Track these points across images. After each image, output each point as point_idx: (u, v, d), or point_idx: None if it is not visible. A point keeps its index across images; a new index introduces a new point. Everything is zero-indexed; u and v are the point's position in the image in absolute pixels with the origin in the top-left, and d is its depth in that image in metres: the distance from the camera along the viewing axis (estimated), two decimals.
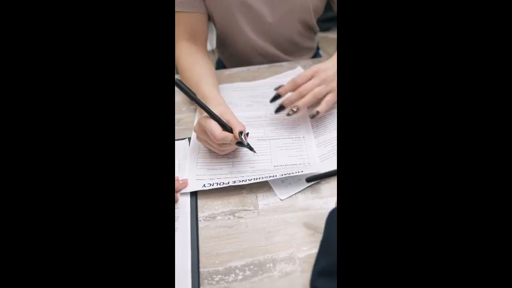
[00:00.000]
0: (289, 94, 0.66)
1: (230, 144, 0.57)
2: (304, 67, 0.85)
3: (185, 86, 0.58)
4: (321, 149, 0.63)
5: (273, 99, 0.68)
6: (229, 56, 0.76)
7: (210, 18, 0.85)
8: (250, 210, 0.54)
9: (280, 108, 0.66)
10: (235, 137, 0.56)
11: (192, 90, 0.64)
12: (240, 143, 0.57)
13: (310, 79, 0.65)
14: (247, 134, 0.59)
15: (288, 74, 0.83)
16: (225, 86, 0.80)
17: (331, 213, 0.45)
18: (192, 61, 0.76)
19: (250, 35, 0.85)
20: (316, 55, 1.03)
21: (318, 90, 0.64)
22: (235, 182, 0.56)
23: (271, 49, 0.89)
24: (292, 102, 0.65)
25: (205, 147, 0.62)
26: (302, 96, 0.64)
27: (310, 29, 0.91)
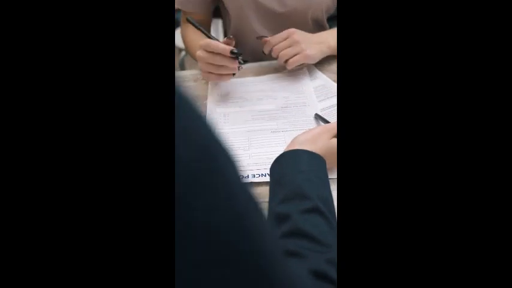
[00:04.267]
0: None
1: (227, 61, 0.68)
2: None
3: (195, 21, 0.76)
4: None
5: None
6: (242, 52, 0.79)
7: (225, 14, 0.87)
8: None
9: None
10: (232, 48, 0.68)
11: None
12: (233, 52, 0.68)
13: (284, 39, 0.74)
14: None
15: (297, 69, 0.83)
16: (236, 81, 0.80)
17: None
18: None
19: (262, 33, 0.87)
20: None
21: (285, 52, 0.74)
22: (254, 175, 0.56)
23: None
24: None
25: (205, 74, 0.73)
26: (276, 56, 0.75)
27: (320, 27, 0.93)
